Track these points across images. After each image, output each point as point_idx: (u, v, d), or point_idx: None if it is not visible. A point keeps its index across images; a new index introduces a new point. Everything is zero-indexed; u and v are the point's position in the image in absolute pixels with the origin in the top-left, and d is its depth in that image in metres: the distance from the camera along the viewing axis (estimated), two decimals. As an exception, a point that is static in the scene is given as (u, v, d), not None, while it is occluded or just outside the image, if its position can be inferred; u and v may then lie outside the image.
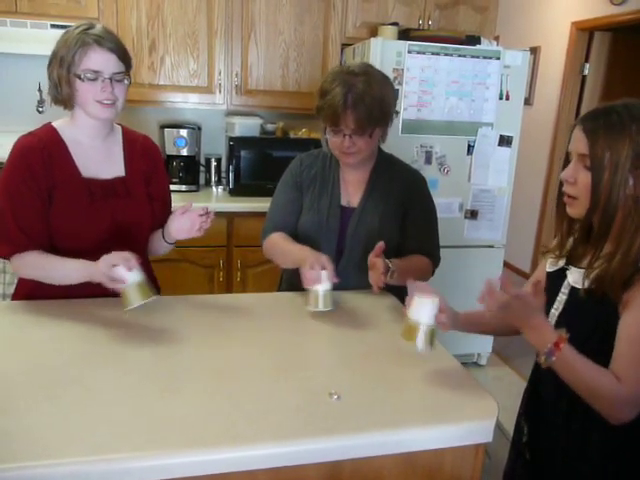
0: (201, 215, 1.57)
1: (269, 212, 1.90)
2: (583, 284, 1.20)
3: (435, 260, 1.82)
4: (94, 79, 1.46)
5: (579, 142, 1.17)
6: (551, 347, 1.12)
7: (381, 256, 1.54)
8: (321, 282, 1.51)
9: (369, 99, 1.62)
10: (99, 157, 1.60)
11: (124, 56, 1.51)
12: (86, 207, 1.55)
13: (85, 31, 1.46)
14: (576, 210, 1.22)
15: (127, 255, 1.39)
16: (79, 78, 1.46)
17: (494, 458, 1.95)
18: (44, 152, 1.51)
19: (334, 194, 1.80)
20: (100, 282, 1.41)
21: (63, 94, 1.49)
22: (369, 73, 1.67)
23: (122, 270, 1.36)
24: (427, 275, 1.80)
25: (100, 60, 1.46)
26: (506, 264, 4.61)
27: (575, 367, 1.13)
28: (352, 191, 1.82)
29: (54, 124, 1.58)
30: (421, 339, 1.21)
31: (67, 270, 1.49)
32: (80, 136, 1.57)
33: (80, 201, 1.55)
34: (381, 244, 1.54)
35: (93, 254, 1.47)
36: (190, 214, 1.58)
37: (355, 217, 1.78)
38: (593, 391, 1.12)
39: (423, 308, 1.21)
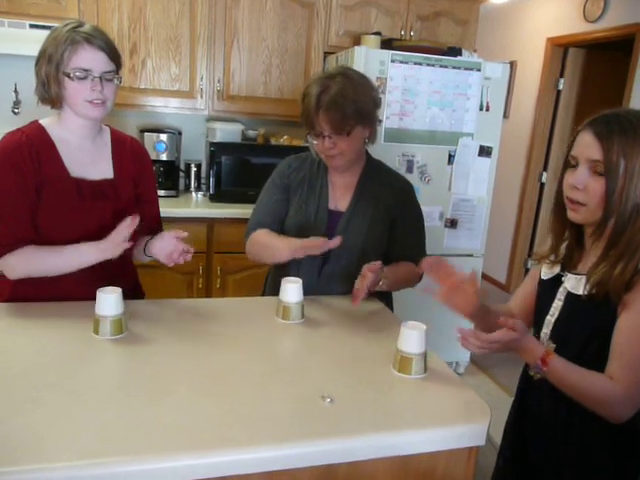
0: (185, 251, 1.55)
1: (253, 211, 1.87)
2: (584, 289, 1.19)
3: None
4: (84, 78, 1.43)
5: (590, 147, 1.13)
6: (539, 363, 1.15)
7: (376, 272, 1.56)
8: (293, 295, 1.52)
9: (341, 99, 1.61)
10: (87, 157, 1.56)
11: (114, 55, 1.48)
12: (75, 206, 1.52)
13: (74, 29, 1.43)
14: (581, 216, 1.19)
15: (123, 229, 1.44)
16: (68, 77, 1.42)
17: (478, 463, 1.94)
18: (32, 149, 1.46)
19: (322, 197, 1.79)
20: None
21: (51, 93, 1.45)
22: (346, 74, 1.67)
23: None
24: (414, 281, 1.80)
25: (90, 58, 1.43)
26: (482, 275, 4.66)
27: (567, 377, 1.15)
28: (340, 195, 1.81)
29: (42, 122, 1.54)
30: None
31: (78, 255, 1.48)
32: (68, 136, 1.53)
33: (69, 200, 1.51)
34: (379, 263, 1.57)
35: None
36: (178, 243, 1.54)
37: (344, 221, 1.77)
38: (591, 396, 1.14)
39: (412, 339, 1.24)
